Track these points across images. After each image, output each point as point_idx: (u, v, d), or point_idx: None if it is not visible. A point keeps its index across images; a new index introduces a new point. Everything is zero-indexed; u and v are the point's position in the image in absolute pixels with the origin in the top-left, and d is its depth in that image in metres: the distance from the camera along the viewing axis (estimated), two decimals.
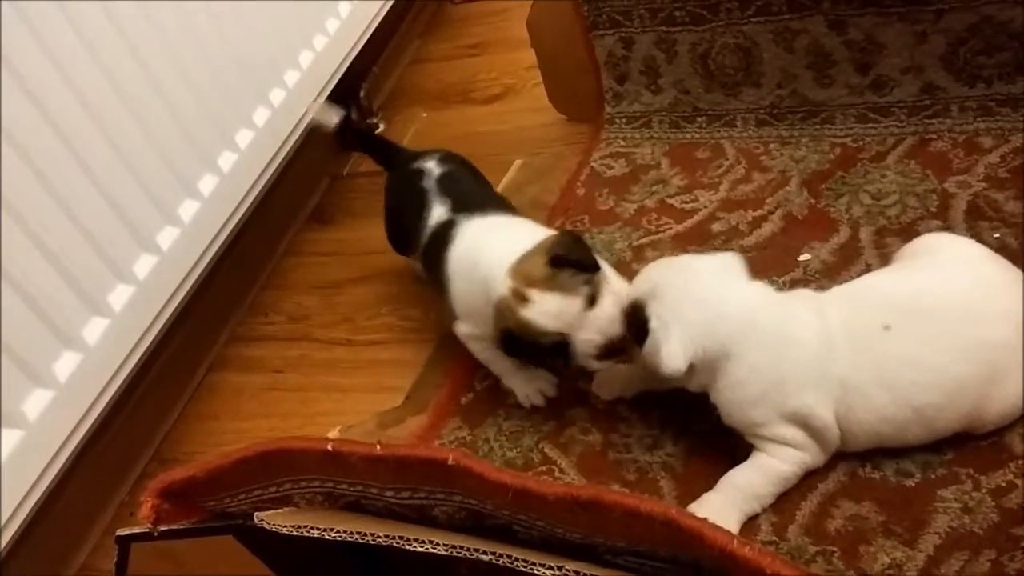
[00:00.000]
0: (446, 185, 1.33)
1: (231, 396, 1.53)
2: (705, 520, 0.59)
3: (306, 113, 1.58)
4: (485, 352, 1.26)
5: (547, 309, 1.09)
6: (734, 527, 1.03)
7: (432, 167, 1.36)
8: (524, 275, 1.11)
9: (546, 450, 1.20)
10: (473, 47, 2.25)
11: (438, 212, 1.29)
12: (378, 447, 0.72)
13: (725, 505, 1.03)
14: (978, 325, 0.94)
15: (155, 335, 1.30)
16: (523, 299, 1.10)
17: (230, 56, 1.42)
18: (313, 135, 1.74)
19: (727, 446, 1.09)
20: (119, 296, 1.22)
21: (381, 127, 2.06)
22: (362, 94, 2.02)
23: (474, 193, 1.34)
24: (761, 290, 1.03)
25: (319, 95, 1.63)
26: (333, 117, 1.50)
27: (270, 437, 0.83)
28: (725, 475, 1.05)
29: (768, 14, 1.43)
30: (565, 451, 1.19)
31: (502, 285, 1.11)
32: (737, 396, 1.01)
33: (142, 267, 1.26)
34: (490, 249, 1.17)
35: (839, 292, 1.04)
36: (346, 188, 1.95)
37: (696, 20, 1.49)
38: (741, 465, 1.05)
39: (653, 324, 0.99)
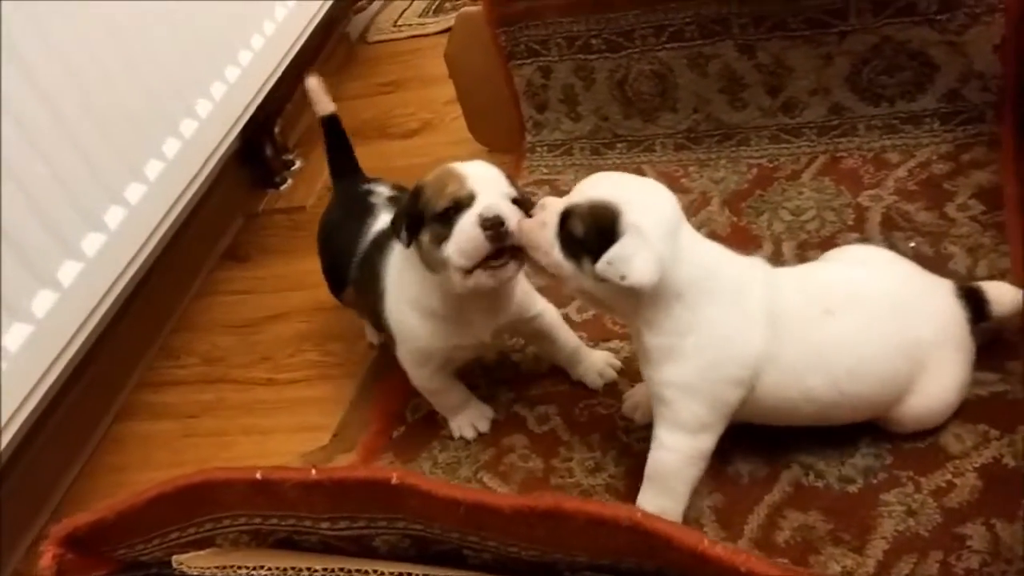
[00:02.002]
0: (395, 202, 1.28)
1: (140, 445, 1.43)
2: (673, 523, 0.56)
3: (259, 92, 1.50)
4: (428, 380, 1.19)
5: (480, 166, 1.05)
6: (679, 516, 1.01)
7: (383, 190, 1.32)
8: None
9: (485, 479, 1.16)
10: (387, 84, 2.24)
11: (384, 219, 1.23)
12: (313, 471, 0.67)
13: (668, 507, 1.00)
14: (909, 322, 0.96)
15: (54, 381, 1.20)
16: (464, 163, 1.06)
17: (138, 84, 1.36)
18: (226, 170, 1.68)
19: None
20: (15, 336, 1.13)
21: (297, 164, 2.01)
22: (277, 130, 1.97)
23: None
24: (724, 249, 0.99)
25: (234, 125, 1.57)
26: (326, 104, 1.40)
27: (190, 472, 0.76)
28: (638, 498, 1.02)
29: (681, 40, 1.46)
30: (505, 479, 1.15)
31: None
32: (673, 343, 0.95)
33: (41, 305, 1.16)
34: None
35: (788, 272, 1.03)
36: (261, 225, 1.88)
37: (612, 47, 1.51)
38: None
39: (627, 231, 0.90)
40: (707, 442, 0.98)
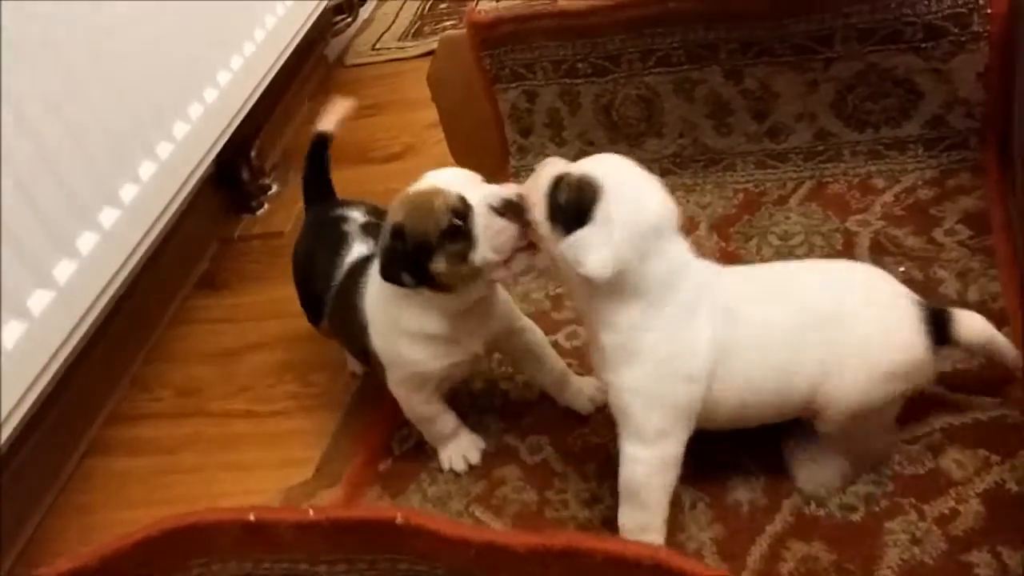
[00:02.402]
0: (370, 230, 1.24)
1: (112, 483, 1.37)
2: (698, 560, 0.54)
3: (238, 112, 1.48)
4: (423, 406, 1.16)
5: (441, 173, 1.02)
6: (661, 536, 0.98)
7: (357, 215, 1.28)
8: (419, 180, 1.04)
9: (477, 513, 1.12)
10: (368, 108, 2.20)
11: (358, 250, 1.20)
12: (311, 512, 0.63)
13: (647, 521, 0.98)
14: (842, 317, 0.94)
15: (22, 415, 1.14)
16: (418, 182, 1.03)
17: (114, 105, 1.32)
18: (201, 195, 1.63)
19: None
20: None
21: (274, 188, 1.97)
22: (253, 154, 1.93)
23: None
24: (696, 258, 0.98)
25: (212, 147, 1.53)
26: (329, 123, 1.37)
27: (176, 513, 0.72)
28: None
29: (668, 65, 1.45)
30: (498, 513, 1.11)
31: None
32: (627, 341, 0.93)
33: (10, 335, 1.11)
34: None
35: (742, 268, 1.03)
36: (238, 251, 1.84)
37: (599, 72, 1.51)
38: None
39: (600, 218, 0.88)
40: (671, 448, 0.96)
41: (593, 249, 0.88)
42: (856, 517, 0.98)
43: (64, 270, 1.19)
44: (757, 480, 1.05)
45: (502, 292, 1.14)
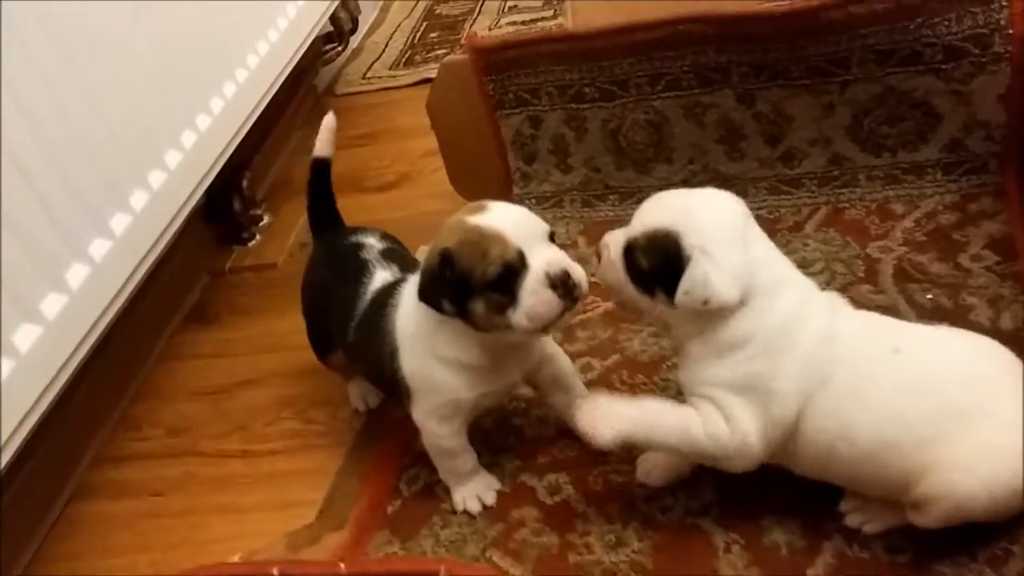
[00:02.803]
0: (390, 255, 1.20)
1: (100, 528, 1.29)
2: None
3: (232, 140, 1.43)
4: (451, 438, 1.10)
5: (507, 215, 0.97)
6: (611, 437, 0.94)
7: (373, 242, 1.23)
8: (475, 205, 1.01)
9: (495, 559, 1.05)
10: (360, 137, 2.17)
11: (381, 276, 1.15)
12: (342, 566, 0.57)
13: (625, 418, 0.95)
14: (968, 384, 0.87)
15: (9, 456, 1.06)
16: (478, 210, 0.98)
17: (104, 134, 1.26)
18: (190, 226, 1.56)
19: (698, 537, 1.00)
20: None
21: (266, 219, 1.91)
22: (245, 184, 1.87)
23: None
24: (789, 265, 0.95)
25: (204, 176, 1.47)
26: (325, 147, 1.33)
27: (192, 567, 0.65)
28: (651, 402, 0.97)
29: (678, 89, 1.42)
30: (518, 558, 1.05)
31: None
32: (724, 353, 0.91)
33: None
34: None
35: (861, 311, 0.97)
36: (229, 284, 1.77)
37: (606, 96, 1.47)
38: (668, 406, 0.96)
39: (695, 254, 0.87)
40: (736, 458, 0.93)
41: (711, 282, 0.87)
42: (903, 559, 0.93)
43: (53, 304, 1.12)
44: (794, 520, 1.00)
45: None
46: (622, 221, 1.49)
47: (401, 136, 2.11)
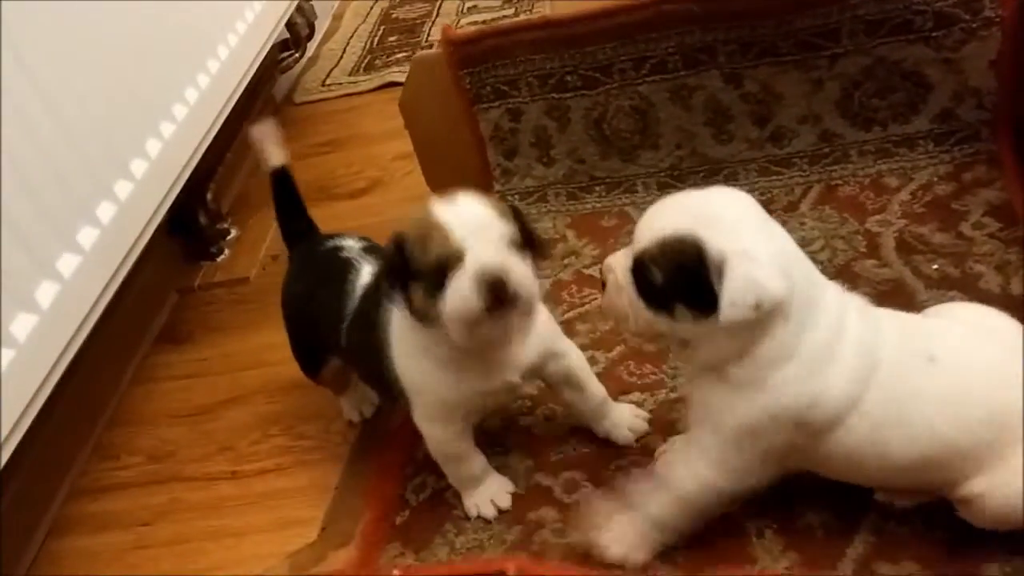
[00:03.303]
0: (373, 251, 1.15)
1: (83, 564, 1.20)
2: None
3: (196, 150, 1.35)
4: (452, 442, 1.05)
5: (465, 211, 0.92)
6: (645, 557, 0.93)
7: (352, 243, 1.18)
8: (450, 196, 0.95)
9: None
10: (324, 145, 2.11)
11: (368, 271, 1.10)
12: (396, 572, 0.51)
13: (638, 532, 0.93)
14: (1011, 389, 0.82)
15: None
16: (446, 201, 0.94)
17: (66, 145, 1.18)
18: (155, 243, 1.47)
19: (725, 523, 0.96)
20: None
21: (233, 232, 1.83)
22: (209, 197, 1.79)
23: None
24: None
25: (172, 186, 1.40)
26: (276, 155, 1.24)
27: None
28: (644, 497, 0.93)
29: (664, 72, 1.39)
30: (542, 560, 0.99)
31: None
32: (760, 376, 0.82)
33: None
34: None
35: (884, 311, 0.90)
36: (200, 301, 1.69)
37: (589, 84, 1.44)
38: (654, 490, 0.92)
39: (729, 257, 0.77)
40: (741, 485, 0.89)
41: (757, 280, 0.77)
42: (944, 533, 0.89)
43: (24, 324, 1.03)
44: (825, 501, 0.96)
45: (543, 312, 1.03)
46: (611, 212, 1.49)
47: (368, 142, 2.05)
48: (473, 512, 1.07)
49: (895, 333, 0.85)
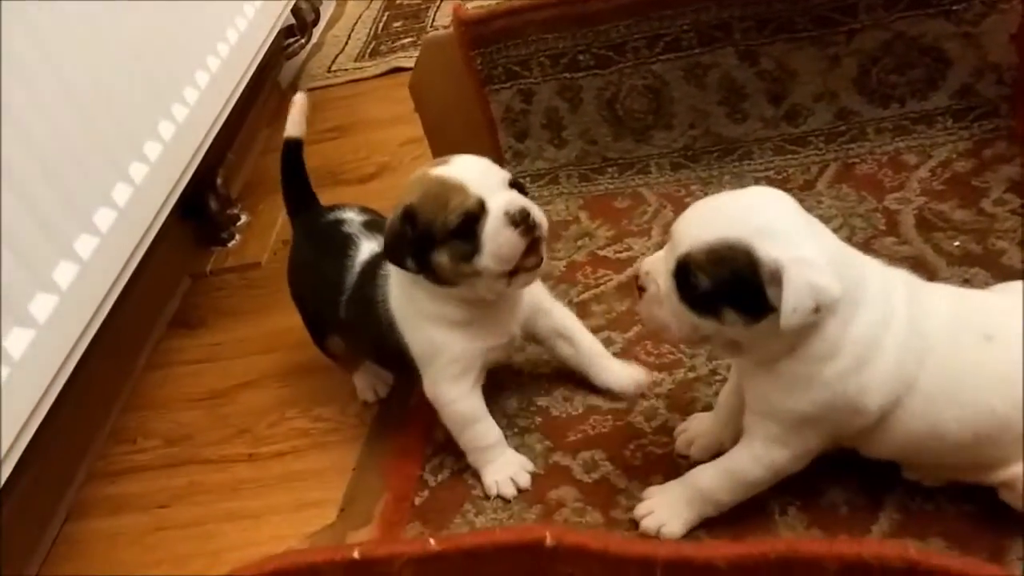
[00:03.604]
0: (373, 226, 1.17)
1: (103, 546, 1.21)
2: (958, 556, 0.43)
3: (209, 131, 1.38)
4: (465, 401, 1.06)
5: (467, 165, 0.99)
6: (681, 528, 0.94)
7: (353, 216, 1.21)
8: (438, 160, 1.01)
9: None
10: (331, 131, 2.09)
11: (368, 247, 1.13)
12: (432, 541, 0.51)
13: (681, 503, 0.95)
14: None
15: (6, 474, 0.98)
16: (440, 163, 1.00)
17: (82, 128, 1.17)
18: (166, 229, 1.46)
19: (749, 500, 0.95)
20: None
21: (244, 218, 1.83)
22: (219, 182, 1.79)
23: None
24: (853, 250, 0.87)
25: (183, 173, 1.39)
26: (297, 126, 1.30)
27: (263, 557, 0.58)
28: (691, 471, 0.95)
29: (678, 50, 1.38)
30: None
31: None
32: (813, 371, 0.82)
33: None
34: None
35: (937, 288, 0.90)
36: (212, 286, 1.68)
37: (602, 63, 1.42)
38: (710, 465, 0.94)
39: (786, 264, 0.76)
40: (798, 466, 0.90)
41: (816, 285, 0.76)
42: (970, 508, 0.89)
43: (44, 305, 1.03)
44: (849, 478, 0.95)
45: None
46: (624, 193, 1.48)
47: (375, 127, 2.05)
48: (493, 490, 1.07)
49: (948, 310, 0.84)
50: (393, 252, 1.01)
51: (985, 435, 0.82)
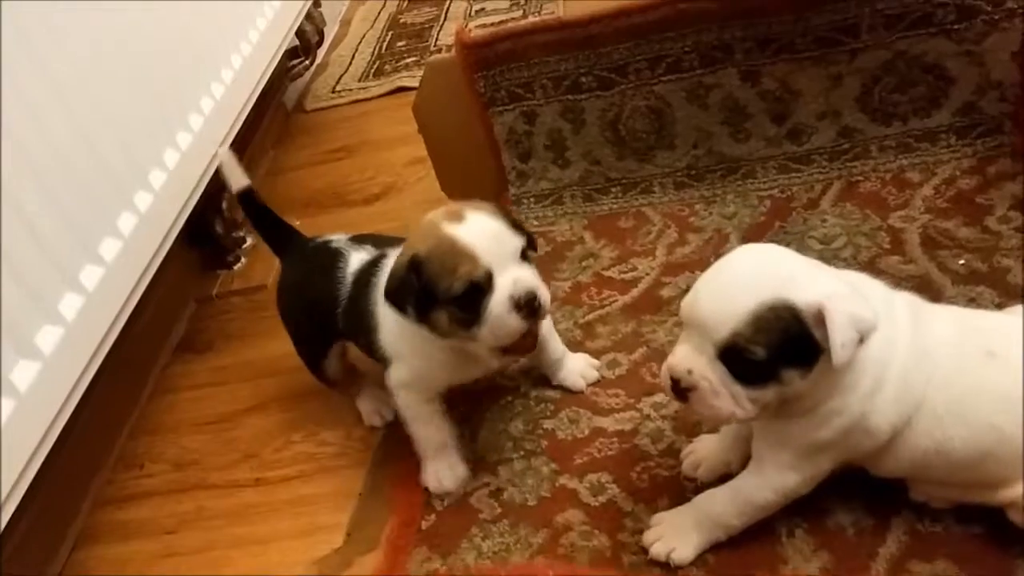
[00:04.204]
0: (361, 239, 1.20)
1: (112, 572, 1.20)
2: None
3: (214, 157, 1.36)
4: (415, 407, 1.10)
5: (483, 229, 0.95)
6: (691, 553, 0.95)
7: (340, 237, 1.23)
8: (455, 209, 0.99)
9: None
10: (336, 151, 2.11)
11: (358, 258, 1.15)
12: None
13: (691, 527, 0.95)
14: None
15: (14, 503, 0.98)
16: (455, 217, 0.96)
17: (87, 157, 1.18)
18: (172, 253, 1.47)
19: (757, 525, 0.95)
20: None
21: (249, 240, 1.83)
22: (224, 206, 1.79)
23: (397, 240, 1.19)
24: (855, 274, 0.89)
25: (188, 200, 1.40)
26: (240, 178, 1.29)
27: None
28: (700, 496, 0.95)
29: (679, 71, 1.39)
30: (569, 563, 0.99)
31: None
32: (840, 404, 0.83)
33: None
34: None
35: (940, 308, 0.91)
36: (218, 310, 1.69)
37: (604, 84, 1.43)
38: (719, 490, 0.94)
39: (824, 303, 0.76)
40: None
41: (857, 315, 0.77)
42: (978, 530, 0.89)
43: (49, 336, 1.03)
44: (856, 500, 0.95)
45: None
46: (628, 213, 1.48)
47: (380, 147, 2.06)
48: (432, 483, 1.12)
49: (952, 330, 0.85)
50: (394, 296, 1.00)
51: (989, 453, 0.83)
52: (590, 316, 1.31)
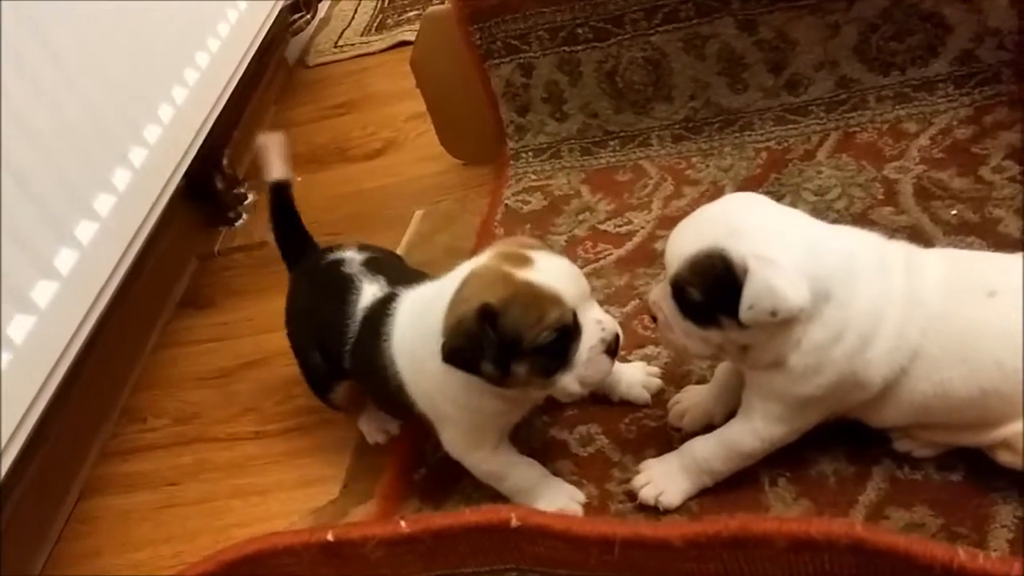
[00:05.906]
0: (374, 266, 1.10)
1: (115, 523, 1.24)
2: (905, 535, 0.44)
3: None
4: (489, 464, 1.00)
5: (560, 270, 0.88)
6: (679, 497, 0.96)
7: (353, 255, 1.14)
8: (511, 252, 0.91)
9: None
10: (339, 107, 2.10)
11: (370, 291, 1.06)
12: (403, 523, 0.53)
13: (678, 472, 0.96)
14: None
15: (12, 456, 1.01)
16: (520, 261, 0.88)
17: (81, 114, 1.19)
18: (173, 210, 1.49)
19: (741, 474, 0.96)
20: None
21: (251, 197, 1.84)
22: (225, 162, 1.80)
23: (413, 273, 1.11)
24: (845, 228, 0.89)
25: (186, 152, 1.40)
26: (279, 168, 1.19)
27: (236, 541, 0.60)
28: (688, 443, 0.97)
29: (676, 21, 1.37)
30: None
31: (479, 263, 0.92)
32: (821, 358, 0.83)
33: None
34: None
35: (937, 252, 0.91)
36: (220, 266, 1.71)
37: (600, 35, 1.42)
38: (707, 437, 0.95)
39: (750, 262, 0.79)
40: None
41: (776, 288, 0.79)
42: (957, 477, 0.90)
43: (44, 292, 1.05)
44: (837, 448, 0.96)
45: None
46: (625, 166, 1.47)
47: (382, 102, 2.05)
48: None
49: (945, 273, 0.85)
50: (464, 355, 0.88)
51: (992, 390, 0.83)
52: (585, 269, 1.31)
